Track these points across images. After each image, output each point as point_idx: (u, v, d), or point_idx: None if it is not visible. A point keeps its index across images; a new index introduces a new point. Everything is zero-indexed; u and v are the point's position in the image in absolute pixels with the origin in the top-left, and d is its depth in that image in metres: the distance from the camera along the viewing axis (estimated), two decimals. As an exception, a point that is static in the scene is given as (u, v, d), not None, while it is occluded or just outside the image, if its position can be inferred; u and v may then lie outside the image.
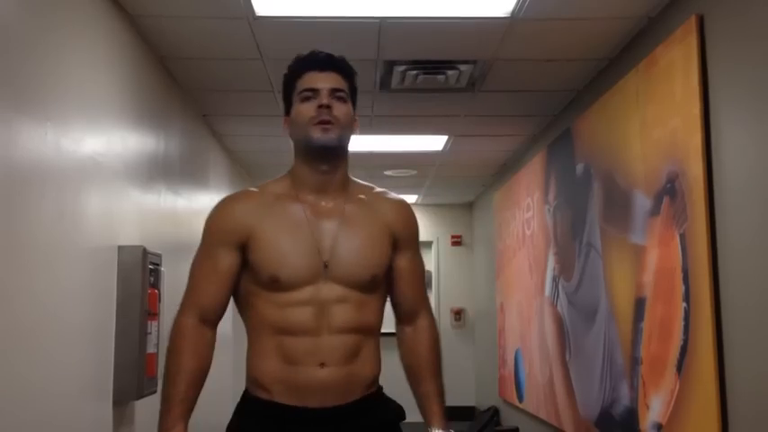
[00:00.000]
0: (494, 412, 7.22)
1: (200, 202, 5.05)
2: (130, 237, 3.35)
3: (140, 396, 3.24)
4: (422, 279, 2.12)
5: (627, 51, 3.81)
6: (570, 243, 4.70)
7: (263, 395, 1.93)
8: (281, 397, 1.89)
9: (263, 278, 1.91)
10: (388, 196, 2.09)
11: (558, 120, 5.08)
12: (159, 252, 3.54)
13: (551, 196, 5.16)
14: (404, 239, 2.04)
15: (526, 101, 4.81)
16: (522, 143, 5.92)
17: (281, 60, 4.05)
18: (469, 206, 9.01)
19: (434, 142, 5.89)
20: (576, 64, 4.10)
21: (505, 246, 6.71)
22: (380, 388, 2.05)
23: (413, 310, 2.10)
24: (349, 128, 1.97)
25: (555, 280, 5.06)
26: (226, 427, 2.00)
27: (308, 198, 1.96)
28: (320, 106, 1.90)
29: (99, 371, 3.01)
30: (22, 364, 2.33)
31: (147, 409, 3.49)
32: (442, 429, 2.01)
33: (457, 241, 9.13)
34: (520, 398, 6.17)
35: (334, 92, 1.93)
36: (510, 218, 6.49)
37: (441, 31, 3.65)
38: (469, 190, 8.21)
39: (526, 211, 5.90)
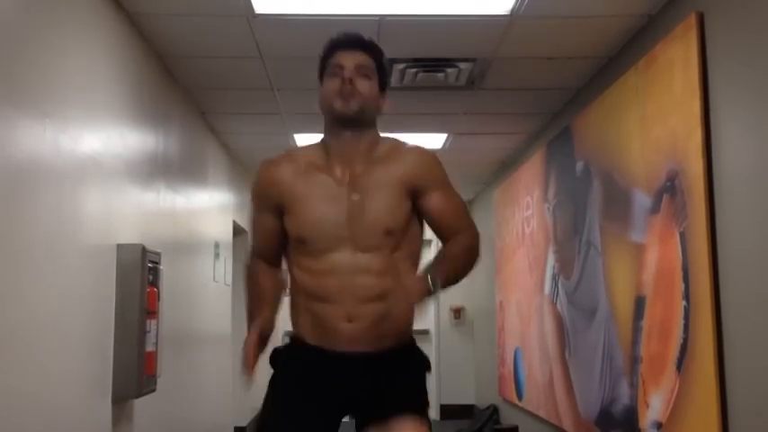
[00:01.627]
0: (493, 411, 7.22)
1: (198, 200, 5.04)
2: (129, 235, 3.34)
3: (140, 394, 3.23)
4: (457, 214, 2.16)
5: (627, 49, 3.80)
6: (570, 241, 4.69)
7: (301, 340, 2.11)
8: (316, 343, 2.07)
9: (292, 240, 2.09)
10: (409, 147, 2.17)
11: (557, 118, 5.07)
12: (158, 250, 3.53)
13: (551, 194, 5.16)
14: (424, 184, 2.11)
15: (526, 99, 4.80)
16: (522, 141, 5.92)
17: (280, 58, 4.08)
18: (469, 204, 9.00)
19: (434, 140, 5.88)
20: (576, 62, 4.09)
21: (505, 244, 6.70)
22: (413, 341, 2.16)
23: (451, 237, 2.17)
24: (372, 102, 2.10)
25: (554, 278, 5.06)
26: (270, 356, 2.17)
27: (335, 166, 2.09)
28: (343, 80, 2.04)
29: (98, 369, 3.01)
30: (21, 362, 2.33)
31: (146, 407, 3.49)
32: (429, 273, 1.98)
33: (456, 239, 9.11)
34: (519, 396, 6.16)
35: (358, 68, 2.07)
36: (509, 216, 6.49)
37: (440, 28, 3.65)
38: (469, 188, 8.20)
39: (526, 210, 5.89)
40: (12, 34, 2.30)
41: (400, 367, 2.08)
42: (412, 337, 2.16)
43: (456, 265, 2.10)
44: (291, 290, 2.15)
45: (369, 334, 2.02)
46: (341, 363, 2.04)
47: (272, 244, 2.17)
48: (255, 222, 2.21)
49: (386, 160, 2.11)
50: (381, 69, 2.14)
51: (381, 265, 2.02)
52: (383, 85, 2.15)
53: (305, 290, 2.07)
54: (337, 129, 2.10)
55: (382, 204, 2.05)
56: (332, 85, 2.07)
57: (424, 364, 2.15)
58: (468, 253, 2.15)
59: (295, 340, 2.14)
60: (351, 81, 2.04)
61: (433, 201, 2.12)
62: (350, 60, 2.07)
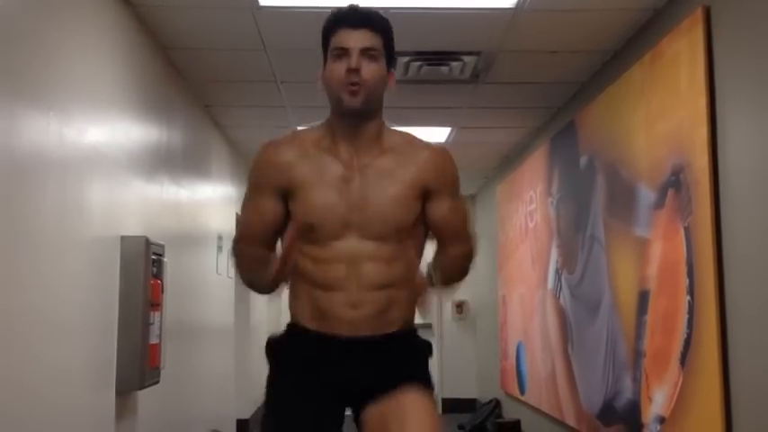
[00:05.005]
0: (495, 405, 7.22)
1: (202, 193, 5.04)
2: (133, 227, 3.34)
3: (143, 386, 3.24)
4: (461, 224, 2.10)
5: (632, 43, 3.79)
6: (573, 236, 4.69)
7: (300, 327, 2.04)
8: (316, 329, 2.00)
9: (298, 226, 1.97)
10: (424, 144, 2.08)
11: (561, 112, 5.06)
12: (162, 242, 3.53)
13: (555, 189, 5.15)
14: (436, 188, 2.03)
15: (530, 93, 4.79)
16: (526, 135, 5.91)
17: (283, 51, 4.07)
18: (472, 198, 8.98)
19: (437, 134, 5.87)
20: (581, 56, 4.08)
21: (508, 238, 6.70)
22: (415, 330, 2.11)
23: (449, 244, 2.12)
24: (379, 87, 1.98)
25: (558, 272, 5.06)
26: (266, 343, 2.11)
27: (341, 151, 2.01)
28: (349, 70, 1.92)
29: (102, 361, 3.01)
30: (25, 354, 2.33)
31: (149, 399, 3.49)
32: (427, 283, 1.99)
33: (459, 233, 9.08)
34: (522, 390, 6.17)
35: (364, 51, 1.94)
36: (513, 210, 6.48)
37: (445, 21, 3.64)
38: (472, 182, 8.19)
39: (529, 204, 5.89)
40: (16, 27, 2.30)
41: (403, 350, 2.04)
42: (414, 325, 2.11)
43: (452, 272, 2.10)
44: (292, 277, 2.05)
45: (372, 320, 1.97)
46: (342, 348, 1.99)
47: (268, 229, 2.03)
48: (251, 205, 2.07)
49: (398, 152, 2.03)
50: (389, 46, 2.00)
51: (388, 254, 1.98)
52: (390, 61, 2.01)
53: (308, 278, 2.00)
54: (343, 119, 2.01)
55: (392, 197, 1.98)
56: (337, 71, 1.93)
57: (426, 349, 2.12)
58: (463, 263, 2.13)
59: (293, 327, 2.06)
60: (357, 70, 1.91)
61: (442, 208, 2.04)
62: (356, 42, 1.93)
